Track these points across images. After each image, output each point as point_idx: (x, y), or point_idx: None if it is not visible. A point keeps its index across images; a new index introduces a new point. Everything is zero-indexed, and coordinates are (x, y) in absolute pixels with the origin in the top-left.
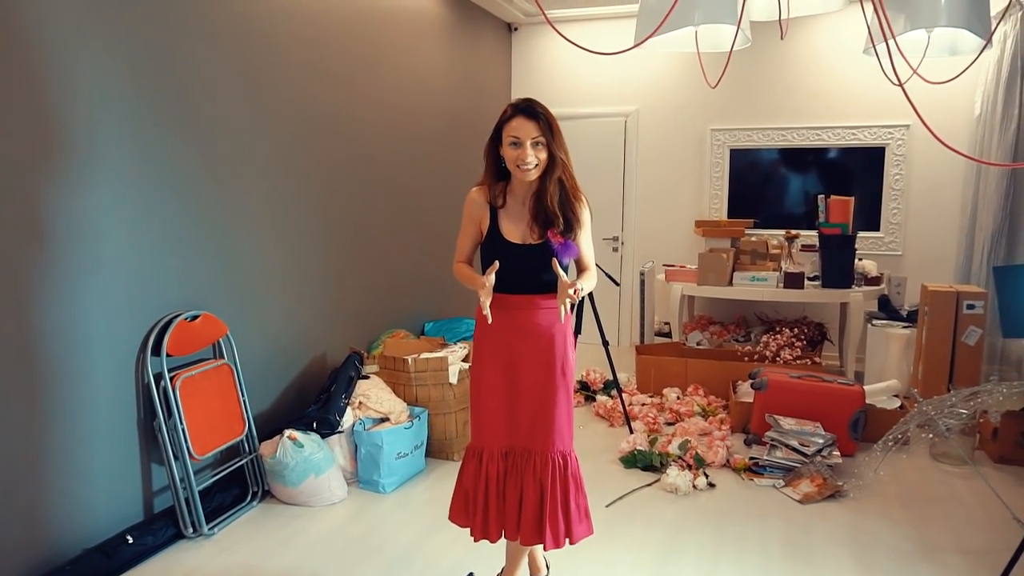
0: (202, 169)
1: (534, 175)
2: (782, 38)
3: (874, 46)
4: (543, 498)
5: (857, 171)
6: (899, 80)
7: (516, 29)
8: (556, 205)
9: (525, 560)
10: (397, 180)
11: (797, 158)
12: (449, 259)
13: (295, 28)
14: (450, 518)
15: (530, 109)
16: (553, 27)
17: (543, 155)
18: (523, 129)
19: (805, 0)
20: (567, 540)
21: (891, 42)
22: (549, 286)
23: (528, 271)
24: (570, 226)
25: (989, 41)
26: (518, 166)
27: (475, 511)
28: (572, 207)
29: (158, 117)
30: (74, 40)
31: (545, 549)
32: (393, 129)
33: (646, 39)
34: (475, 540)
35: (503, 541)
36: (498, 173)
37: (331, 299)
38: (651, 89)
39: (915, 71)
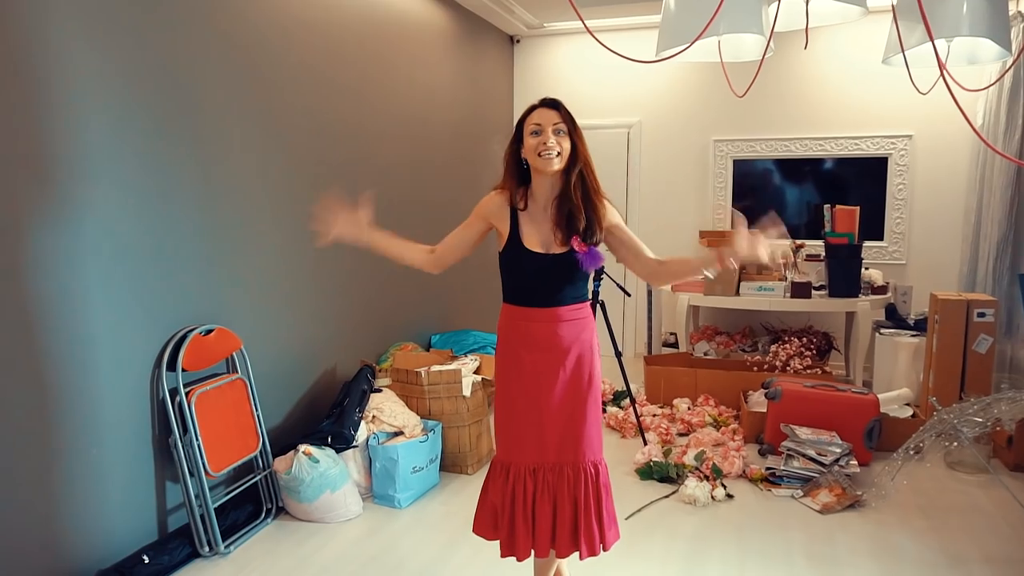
0: (213, 183)
1: (557, 164)
2: (805, 47)
3: (903, 51)
4: (577, 510)
5: (860, 181)
6: (947, 81)
7: (518, 41)
8: (580, 201)
9: (552, 573)
10: (403, 192)
11: (799, 168)
12: (454, 271)
13: (305, 42)
14: (474, 530)
15: (550, 101)
16: (594, 36)
17: (566, 144)
18: (544, 117)
19: (825, 10)
20: (601, 547)
21: (927, 47)
22: (572, 298)
23: (551, 281)
24: (592, 227)
25: (1022, 50)
26: (539, 154)
27: (502, 527)
28: (594, 207)
29: (170, 132)
30: (83, 54)
31: (581, 559)
32: (399, 142)
33: (683, 50)
34: (502, 556)
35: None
36: (519, 176)
37: (340, 312)
38: (653, 100)
39: (949, 75)
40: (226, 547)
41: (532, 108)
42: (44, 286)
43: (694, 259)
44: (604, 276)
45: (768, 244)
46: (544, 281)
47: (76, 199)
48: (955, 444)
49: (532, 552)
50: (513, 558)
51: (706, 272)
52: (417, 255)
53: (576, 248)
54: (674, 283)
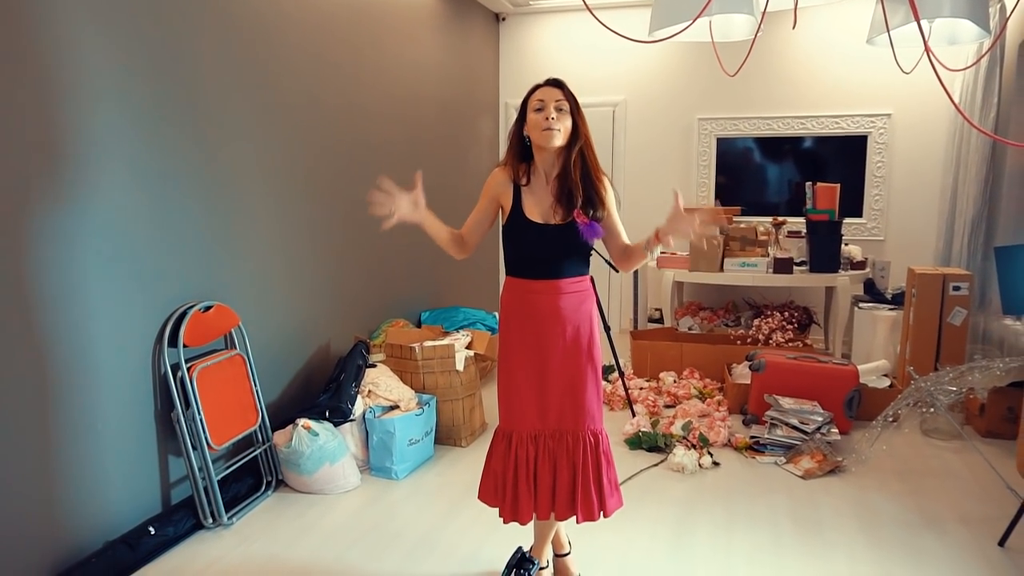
0: (211, 162)
1: (558, 140)
2: (794, 27)
3: (888, 31)
4: (575, 475)
5: (840, 159)
6: (931, 60)
7: (504, 19)
8: (579, 178)
9: (552, 536)
10: (392, 171)
11: (781, 146)
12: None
13: (299, 23)
14: (479, 497)
15: (554, 80)
16: (593, 15)
17: (567, 122)
18: (547, 94)
19: None
20: (601, 513)
21: (911, 27)
22: (572, 270)
23: (551, 252)
24: (591, 202)
25: (1004, 27)
26: (543, 129)
27: (504, 493)
28: (594, 184)
29: (168, 112)
30: (85, 36)
31: (577, 522)
32: (390, 121)
33: (682, 30)
34: (504, 522)
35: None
36: (522, 153)
37: (332, 290)
38: (638, 79)
39: (933, 54)
40: (229, 518)
41: (537, 87)
42: (50, 264)
43: (640, 241)
44: (593, 252)
45: (697, 221)
46: (545, 253)
47: (81, 179)
48: (931, 410)
49: (536, 515)
50: (509, 526)
51: (648, 251)
52: (450, 237)
53: (577, 219)
54: (633, 266)
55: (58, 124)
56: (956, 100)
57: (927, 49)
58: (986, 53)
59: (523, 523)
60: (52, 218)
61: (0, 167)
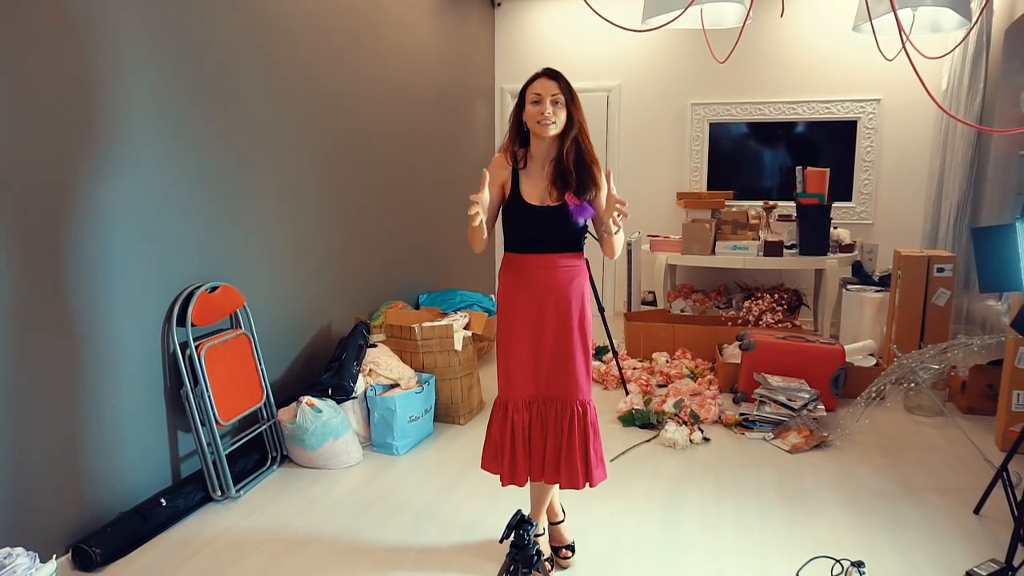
0: (219, 148)
1: (553, 130)
2: (782, 15)
3: (871, 20)
4: (561, 440)
5: (830, 144)
6: (907, 51)
7: (499, 5)
8: (572, 164)
9: (548, 503)
10: (391, 156)
11: (773, 131)
12: (440, 232)
13: (299, 10)
14: (482, 466)
15: (551, 71)
16: (587, 3)
17: (562, 114)
18: (544, 87)
19: None
20: (587, 483)
21: (893, 16)
22: (567, 245)
23: (546, 231)
24: (585, 186)
25: (979, 16)
26: (538, 121)
27: (503, 458)
28: (588, 168)
29: (181, 99)
30: (104, 27)
31: (561, 488)
32: (387, 107)
33: (673, 19)
34: (503, 485)
35: (526, 490)
36: (520, 138)
37: (334, 271)
38: (633, 65)
39: (911, 43)
40: (237, 491)
41: (535, 77)
42: (58, 248)
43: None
44: (588, 235)
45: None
46: (541, 232)
47: (91, 167)
48: (913, 386)
49: (531, 478)
50: (507, 498)
51: (612, 226)
52: (485, 228)
53: (568, 201)
54: (614, 247)
55: (74, 112)
56: (943, 86)
57: (904, 40)
58: (962, 41)
59: (521, 485)
60: (65, 203)
61: (46, 145)
